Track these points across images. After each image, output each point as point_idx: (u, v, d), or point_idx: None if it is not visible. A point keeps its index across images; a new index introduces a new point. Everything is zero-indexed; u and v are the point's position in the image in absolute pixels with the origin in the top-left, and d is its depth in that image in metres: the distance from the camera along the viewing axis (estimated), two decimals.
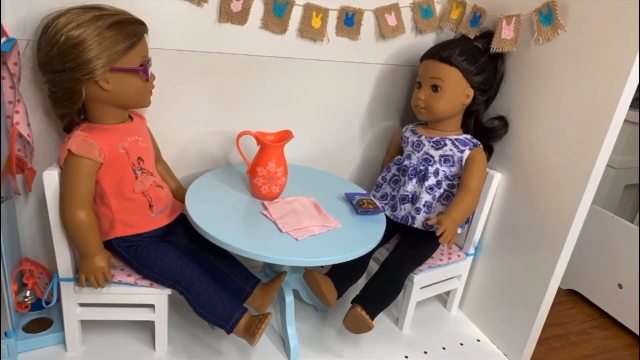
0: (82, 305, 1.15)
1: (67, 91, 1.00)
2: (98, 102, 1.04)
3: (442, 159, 1.30)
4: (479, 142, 1.31)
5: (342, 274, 1.27)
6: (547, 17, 1.16)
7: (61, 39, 0.95)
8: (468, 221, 1.38)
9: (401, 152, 1.42)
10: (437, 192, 1.30)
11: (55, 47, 0.95)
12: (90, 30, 0.95)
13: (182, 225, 1.20)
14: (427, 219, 1.29)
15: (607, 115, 1.05)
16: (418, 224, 1.30)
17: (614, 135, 1.07)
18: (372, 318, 1.18)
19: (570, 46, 1.13)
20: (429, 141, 1.33)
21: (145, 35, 1.05)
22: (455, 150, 1.29)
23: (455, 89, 1.26)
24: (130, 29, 1.00)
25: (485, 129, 1.33)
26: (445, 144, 1.30)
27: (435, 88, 1.27)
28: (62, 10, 0.98)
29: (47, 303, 1.12)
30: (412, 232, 1.33)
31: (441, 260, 1.37)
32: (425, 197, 1.29)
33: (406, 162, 1.35)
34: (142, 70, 1.04)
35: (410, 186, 1.32)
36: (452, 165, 1.30)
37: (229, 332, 1.09)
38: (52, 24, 0.96)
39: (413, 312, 1.38)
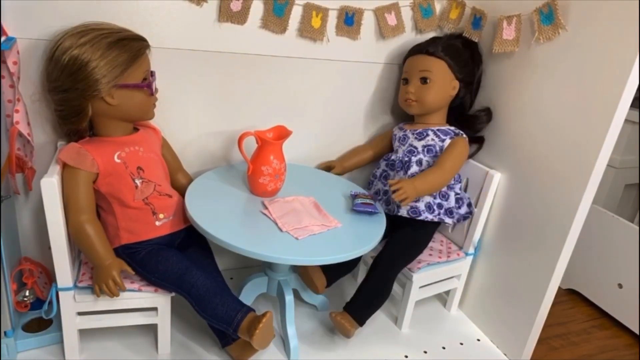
0: (82, 314, 1.12)
1: (74, 109, 1.04)
2: (103, 117, 1.07)
3: (425, 149, 1.33)
4: (461, 133, 1.35)
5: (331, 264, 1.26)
6: (548, 16, 1.16)
7: (65, 60, 0.98)
8: (466, 218, 1.37)
9: (391, 149, 1.46)
10: None
11: (60, 69, 0.99)
12: (93, 51, 0.98)
13: (197, 243, 1.21)
14: (412, 207, 1.28)
15: (607, 114, 1.05)
16: (403, 212, 1.30)
17: (614, 134, 1.07)
18: (362, 323, 1.25)
19: (571, 46, 1.13)
20: (413, 133, 1.37)
21: (147, 51, 1.08)
22: (437, 139, 1.33)
23: (443, 80, 1.32)
24: (131, 46, 1.03)
25: (469, 117, 1.38)
26: (427, 135, 1.35)
27: (424, 80, 1.33)
28: (66, 31, 1.02)
29: (47, 314, 1.09)
30: (401, 228, 1.33)
31: (440, 257, 1.37)
32: None
33: (393, 157, 1.39)
34: (146, 85, 1.07)
35: (397, 178, 1.32)
36: (435, 156, 1.33)
37: (233, 334, 1.07)
38: (56, 47, 1.00)
39: (412, 311, 1.38)
